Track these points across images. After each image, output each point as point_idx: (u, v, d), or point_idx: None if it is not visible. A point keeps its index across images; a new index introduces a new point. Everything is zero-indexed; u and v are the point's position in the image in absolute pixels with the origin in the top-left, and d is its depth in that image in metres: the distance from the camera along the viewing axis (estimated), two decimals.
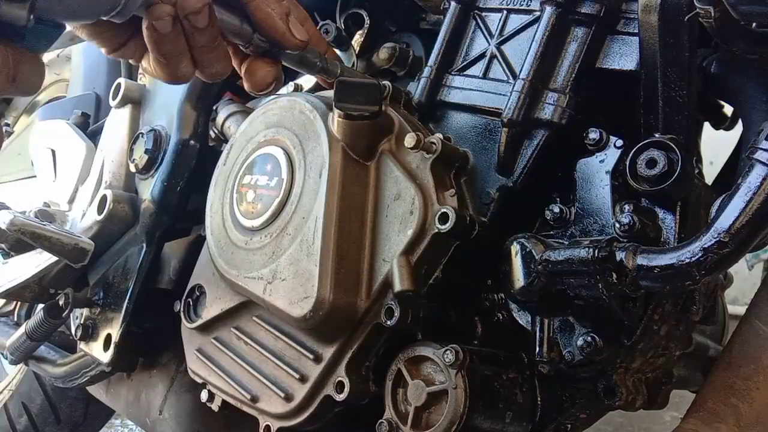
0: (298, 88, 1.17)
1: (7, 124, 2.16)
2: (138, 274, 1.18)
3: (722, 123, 1.07)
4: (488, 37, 0.92)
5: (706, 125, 1.08)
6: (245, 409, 0.95)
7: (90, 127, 1.52)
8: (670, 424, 2.01)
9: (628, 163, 0.76)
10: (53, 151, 1.48)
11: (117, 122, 1.31)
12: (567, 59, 0.84)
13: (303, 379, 0.87)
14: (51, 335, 1.27)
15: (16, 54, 0.67)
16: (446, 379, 0.76)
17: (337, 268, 0.82)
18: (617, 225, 0.74)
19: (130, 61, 0.85)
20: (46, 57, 1.99)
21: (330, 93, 0.86)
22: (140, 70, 1.34)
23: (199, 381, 1.02)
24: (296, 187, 0.89)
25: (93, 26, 0.81)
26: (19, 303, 1.57)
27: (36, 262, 1.27)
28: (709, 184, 0.96)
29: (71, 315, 1.26)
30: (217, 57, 0.84)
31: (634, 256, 0.70)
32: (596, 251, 0.70)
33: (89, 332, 1.23)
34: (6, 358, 1.36)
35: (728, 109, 1.05)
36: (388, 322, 0.80)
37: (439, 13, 1.03)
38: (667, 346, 0.82)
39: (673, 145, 0.74)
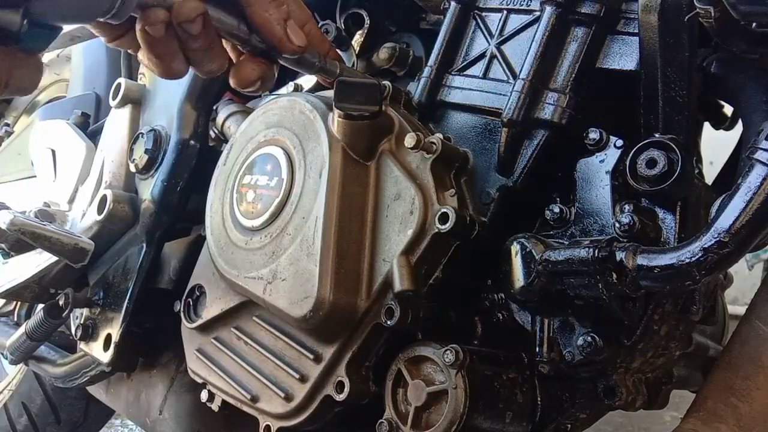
0: (298, 88, 1.17)
1: (7, 124, 2.16)
2: (138, 274, 1.18)
3: (722, 123, 1.07)
4: (488, 37, 0.92)
5: (706, 125, 1.08)
6: (245, 409, 0.95)
7: (90, 127, 1.52)
8: (670, 424, 2.01)
9: (628, 163, 0.76)
10: (53, 151, 1.48)
11: (117, 122, 1.31)
12: (567, 59, 0.84)
13: (303, 379, 0.87)
14: (51, 335, 1.27)
15: (11, 57, 0.67)
16: (446, 379, 0.76)
17: (337, 268, 0.82)
18: (617, 225, 0.74)
19: (130, 51, 0.85)
20: (46, 57, 1.99)
21: (330, 93, 0.86)
22: (140, 71, 1.35)
23: (199, 381, 1.02)
24: (296, 187, 0.89)
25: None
26: (19, 303, 1.57)
27: (36, 262, 1.27)
28: (709, 184, 0.96)
29: (71, 315, 1.26)
30: (211, 57, 0.84)
31: (634, 256, 0.70)
32: (596, 251, 0.70)
33: (89, 332, 1.23)
34: (6, 358, 1.36)
35: (728, 109, 1.05)
36: (388, 322, 0.80)
37: (439, 13, 1.03)
38: (667, 346, 0.82)
39: (673, 145, 0.74)
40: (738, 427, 0.80)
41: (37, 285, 1.27)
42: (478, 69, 0.91)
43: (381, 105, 0.83)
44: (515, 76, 0.86)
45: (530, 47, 0.84)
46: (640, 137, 0.77)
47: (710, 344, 1.10)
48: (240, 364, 0.95)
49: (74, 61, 1.78)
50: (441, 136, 0.84)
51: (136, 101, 1.30)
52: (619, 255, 0.70)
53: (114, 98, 1.30)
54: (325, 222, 0.84)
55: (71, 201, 1.37)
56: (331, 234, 0.83)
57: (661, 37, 0.75)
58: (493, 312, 0.86)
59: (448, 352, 0.75)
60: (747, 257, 2.90)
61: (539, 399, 0.83)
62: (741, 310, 0.90)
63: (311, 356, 0.86)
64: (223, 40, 0.86)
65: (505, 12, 0.91)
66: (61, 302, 1.22)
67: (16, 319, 1.56)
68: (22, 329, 1.27)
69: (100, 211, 1.21)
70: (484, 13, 0.93)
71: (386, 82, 0.90)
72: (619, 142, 0.78)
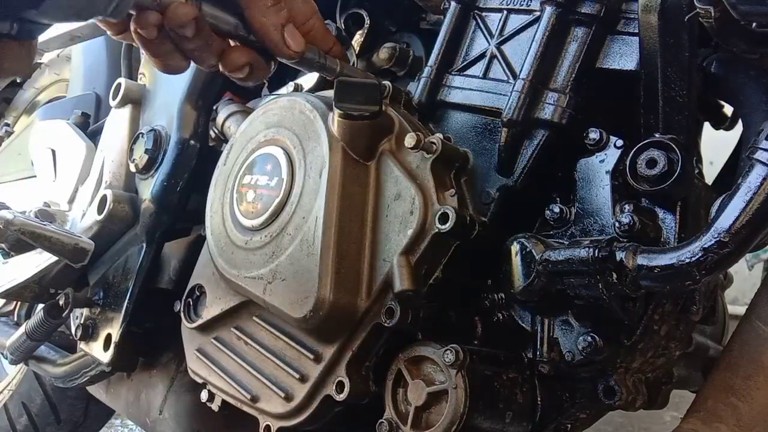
0: (298, 88, 1.17)
1: (7, 124, 2.16)
2: (138, 274, 1.18)
3: (722, 123, 1.07)
4: (488, 37, 0.92)
5: (706, 125, 1.08)
6: (245, 409, 0.95)
7: (90, 127, 1.52)
8: (670, 424, 2.01)
9: (628, 163, 0.76)
10: (53, 151, 1.48)
11: (117, 122, 1.31)
12: (567, 59, 0.84)
13: (303, 378, 0.87)
14: (51, 335, 1.27)
15: (1, 45, 0.68)
16: (446, 379, 0.76)
17: (337, 268, 0.82)
18: (617, 225, 0.74)
19: (136, 44, 0.85)
20: (46, 57, 1.99)
21: (330, 93, 0.86)
22: (140, 71, 1.35)
23: (199, 381, 1.02)
24: (296, 187, 0.89)
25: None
26: (19, 303, 1.57)
27: (36, 262, 1.27)
28: (709, 184, 0.96)
29: (71, 315, 1.26)
30: (210, 53, 0.84)
31: (634, 256, 0.70)
32: (596, 251, 0.70)
33: (89, 332, 1.23)
34: (6, 358, 1.36)
35: (728, 109, 1.05)
36: (389, 322, 0.80)
37: (439, 13, 1.03)
38: (667, 346, 0.82)
39: (673, 145, 0.74)
40: (738, 427, 0.80)
41: (37, 285, 1.27)
42: (478, 69, 0.91)
43: (381, 105, 0.83)
44: (515, 76, 0.86)
45: (530, 47, 0.84)
46: (640, 137, 0.77)
47: (710, 344, 1.10)
48: (240, 364, 0.95)
49: (74, 61, 1.78)
50: (441, 136, 0.84)
51: (136, 101, 1.30)
52: (619, 255, 0.70)
53: (114, 98, 1.31)
54: (325, 222, 0.83)
55: (71, 201, 1.37)
56: (331, 234, 0.83)
57: (661, 37, 0.75)
58: (493, 312, 0.86)
59: (448, 352, 0.75)
60: (747, 257, 2.90)
61: (539, 399, 0.83)
62: (741, 310, 0.90)
63: (311, 356, 0.86)
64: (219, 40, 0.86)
65: (505, 12, 0.91)
66: (61, 302, 1.22)
67: (16, 319, 1.56)
68: (22, 329, 1.27)
69: (100, 211, 1.21)
70: (484, 13, 0.93)
71: (386, 82, 0.90)
72: (619, 142, 0.78)
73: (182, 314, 1.05)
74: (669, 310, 0.79)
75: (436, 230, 0.79)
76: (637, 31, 0.78)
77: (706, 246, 0.65)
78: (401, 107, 0.91)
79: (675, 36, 0.75)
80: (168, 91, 1.23)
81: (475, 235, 0.81)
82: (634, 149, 0.76)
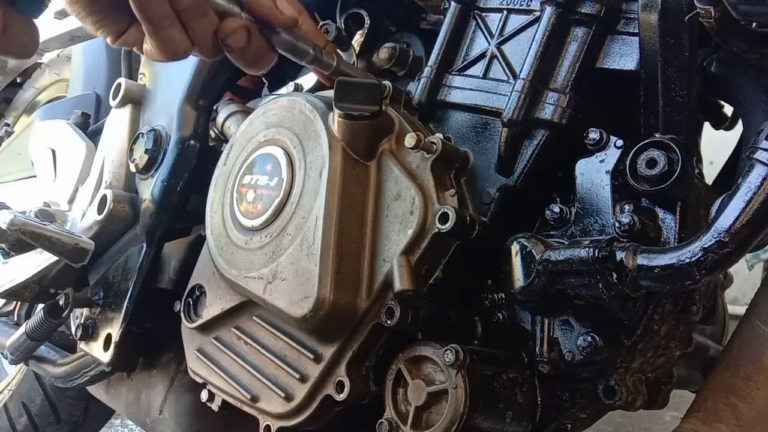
0: (298, 88, 1.17)
1: (7, 124, 2.16)
2: (138, 274, 1.18)
3: (722, 123, 1.07)
4: (488, 37, 0.92)
5: (706, 125, 1.08)
6: (245, 409, 0.95)
7: (90, 127, 1.52)
8: (670, 424, 2.01)
9: (628, 163, 0.76)
10: (53, 151, 1.48)
11: (117, 122, 1.31)
12: (567, 59, 0.84)
13: (303, 378, 0.87)
14: (51, 335, 1.27)
15: (5, 13, 0.70)
16: (446, 378, 0.76)
17: (338, 268, 0.82)
18: (617, 225, 0.74)
19: (134, 49, 0.85)
20: (46, 57, 1.99)
21: (330, 93, 0.86)
22: (140, 71, 1.35)
23: (199, 381, 1.02)
24: (296, 187, 0.89)
25: (96, 15, 0.81)
26: (19, 303, 1.57)
27: (36, 262, 1.27)
28: (709, 184, 0.96)
29: (71, 315, 1.26)
30: (207, 25, 0.82)
31: (634, 256, 0.70)
32: (596, 251, 0.70)
33: (89, 332, 1.23)
34: (6, 358, 1.36)
35: (728, 109, 1.05)
36: (389, 322, 0.80)
37: (439, 13, 1.03)
38: (667, 346, 0.82)
39: (673, 145, 0.74)
40: (738, 427, 0.80)
41: (37, 285, 1.27)
42: (478, 69, 0.91)
43: (381, 105, 0.83)
44: (515, 76, 0.86)
45: (530, 47, 0.84)
46: (640, 137, 0.77)
47: (710, 344, 1.10)
48: (240, 364, 0.95)
49: (74, 61, 1.78)
50: (441, 136, 0.84)
51: (137, 101, 1.30)
52: (620, 255, 0.70)
53: (114, 98, 1.31)
54: (325, 222, 0.84)
55: (71, 201, 1.37)
56: (331, 234, 0.83)
57: (661, 37, 0.75)
58: (493, 312, 0.86)
59: (448, 351, 0.75)
60: (747, 257, 2.90)
61: (539, 399, 0.83)
62: (741, 310, 0.90)
63: (311, 356, 0.86)
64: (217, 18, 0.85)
65: (505, 12, 0.91)
66: (61, 302, 1.22)
67: (16, 319, 1.56)
68: (22, 329, 1.27)
69: (100, 211, 1.21)
70: (484, 13, 0.93)
71: (386, 82, 0.90)
72: (619, 142, 0.78)
73: (182, 314, 1.05)
74: (669, 310, 0.79)
75: (436, 230, 0.79)
76: (637, 31, 0.78)
77: (706, 246, 0.65)
78: (401, 107, 0.91)
79: (675, 36, 0.75)
80: (168, 91, 1.23)
81: (475, 235, 0.81)
82: (634, 149, 0.76)
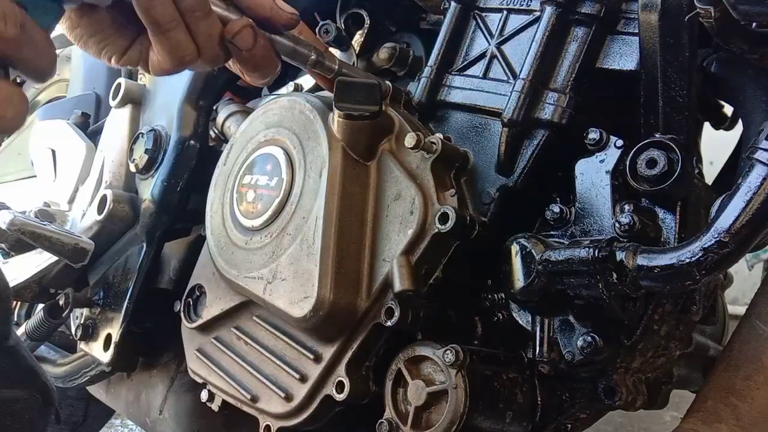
0: (298, 88, 1.17)
1: None
2: (138, 274, 1.18)
3: (722, 123, 1.07)
4: (488, 37, 0.92)
5: (706, 125, 1.08)
6: (245, 409, 0.95)
7: (90, 127, 1.52)
8: (670, 424, 2.01)
9: (628, 163, 0.76)
10: (53, 151, 1.48)
11: (117, 122, 1.31)
12: (567, 59, 0.84)
13: (303, 378, 0.87)
14: (51, 335, 1.27)
15: (23, 13, 0.64)
16: (446, 378, 0.76)
17: (337, 268, 0.82)
18: (617, 225, 0.74)
19: (139, 67, 0.84)
20: None
21: (330, 93, 0.86)
22: (140, 70, 1.34)
23: (199, 381, 1.02)
24: (296, 187, 0.89)
25: (98, 35, 0.81)
26: (19, 303, 1.57)
27: (36, 262, 1.27)
28: (709, 184, 0.96)
29: (71, 315, 1.26)
30: (211, 26, 0.81)
31: (634, 256, 0.70)
32: (596, 251, 0.70)
33: (89, 332, 1.23)
34: None
35: (728, 109, 1.05)
36: (388, 322, 0.80)
37: (439, 13, 1.03)
38: (667, 346, 0.82)
39: (673, 145, 0.74)
40: (738, 427, 0.80)
41: (37, 285, 1.27)
42: (478, 69, 0.91)
43: (381, 105, 0.83)
44: (515, 76, 0.86)
45: (530, 47, 0.84)
46: (640, 137, 0.77)
47: (710, 344, 1.10)
48: (240, 364, 0.95)
49: (74, 61, 1.78)
50: (441, 136, 0.84)
51: (136, 101, 1.30)
52: (619, 255, 0.70)
53: (114, 98, 1.30)
54: (325, 222, 0.84)
55: (71, 201, 1.37)
56: (331, 234, 0.83)
57: (661, 37, 0.75)
58: (493, 312, 0.86)
59: (448, 351, 0.75)
60: (747, 257, 2.90)
61: (539, 399, 0.83)
62: (741, 310, 0.90)
63: (311, 356, 0.86)
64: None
65: (505, 12, 0.91)
66: (61, 302, 1.22)
67: (16, 319, 1.56)
68: (22, 329, 1.27)
69: (100, 211, 1.21)
70: (484, 13, 0.93)
71: (387, 82, 0.90)
72: (619, 142, 0.78)
73: (182, 314, 1.05)
74: (669, 310, 0.79)
75: (436, 230, 0.79)
76: (637, 31, 0.78)
77: (706, 246, 0.65)
78: (401, 107, 0.91)
79: (675, 36, 0.75)
80: (168, 91, 1.23)
81: (475, 235, 0.81)
82: (634, 149, 0.76)
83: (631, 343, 0.77)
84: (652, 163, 0.74)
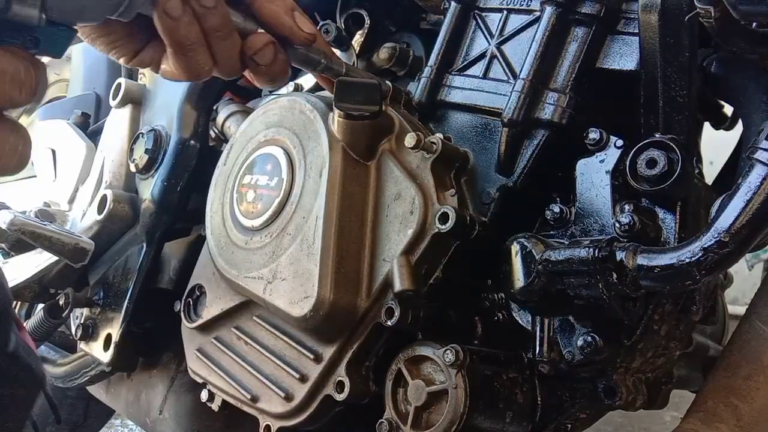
0: (298, 88, 1.17)
1: None
2: (138, 274, 1.18)
3: (722, 123, 1.07)
4: (488, 37, 0.92)
5: (706, 125, 1.08)
6: (245, 408, 0.95)
7: (90, 127, 1.52)
8: (670, 424, 2.01)
9: (628, 163, 0.76)
10: (53, 151, 1.48)
11: (117, 122, 1.31)
12: (567, 59, 0.84)
13: (303, 378, 0.87)
14: (51, 335, 1.27)
15: (35, 63, 0.64)
16: (446, 378, 0.76)
17: (338, 268, 0.82)
18: (617, 225, 0.74)
19: (151, 69, 0.84)
20: (46, 57, 1.99)
21: (330, 93, 0.86)
22: (140, 70, 1.34)
23: (199, 381, 1.02)
24: (296, 187, 0.89)
25: (109, 36, 0.80)
26: (19, 303, 1.57)
27: (36, 262, 1.27)
28: (709, 184, 0.96)
29: (71, 315, 1.26)
30: (232, 46, 0.81)
31: (634, 255, 0.70)
32: (596, 251, 0.70)
33: (89, 332, 1.23)
34: None
35: (728, 109, 1.05)
36: (388, 322, 0.80)
37: (439, 13, 1.04)
38: (667, 346, 0.82)
39: (673, 145, 0.74)
40: (738, 427, 0.81)
41: (37, 285, 1.27)
42: (478, 69, 0.91)
43: (381, 105, 0.83)
44: (515, 76, 0.86)
45: (530, 47, 0.84)
46: (640, 137, 0.77)
47: (710, 344, 1.10)
48: (240, 364, 0.95)
49: (74, 61, 1.78)
50: (441, 136, 0.84)
51: (137, 101, 1.30)
52: (620, 255, 0.70)
53: (114, 98, 1.31)
54: (326, 222, 0.84)
55: (71, 201, 1.37)
56: (331, 234, 0.83)
57: (661, 37, 0.75)
58: (493, 312, 0.86)
59: (448, 351, 0.75)
60: (747, 257, 2.90)
61: (539, 399, 0.83)
62: (741, 310, 0.90)
63: (311, 356, 0.86)
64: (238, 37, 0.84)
65: (505, 12, 0.91)
66: (61, 302, 1.22)
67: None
68: None
69: (100, 210, 1.21)
70: (484, 13, 0.93)
71: (387, 82, 0.90)
72: (619, 142, 0.78)
73: (182, 314, 1.05)
74: (669, 310, 0.79)
75: (436, 230, 0.79)
76: (637, 31, 0.78)
77: (706, 246, 0.65)
78: (401, 107, 0.91)
79: (675, 36, 0.75)
80: (168, 91, 1.23)
81: (475, 235, 0.81)
82: (634, 149, 0.76)
83: (631, 343, 0.77)
84: (652, 163, 0.74)
